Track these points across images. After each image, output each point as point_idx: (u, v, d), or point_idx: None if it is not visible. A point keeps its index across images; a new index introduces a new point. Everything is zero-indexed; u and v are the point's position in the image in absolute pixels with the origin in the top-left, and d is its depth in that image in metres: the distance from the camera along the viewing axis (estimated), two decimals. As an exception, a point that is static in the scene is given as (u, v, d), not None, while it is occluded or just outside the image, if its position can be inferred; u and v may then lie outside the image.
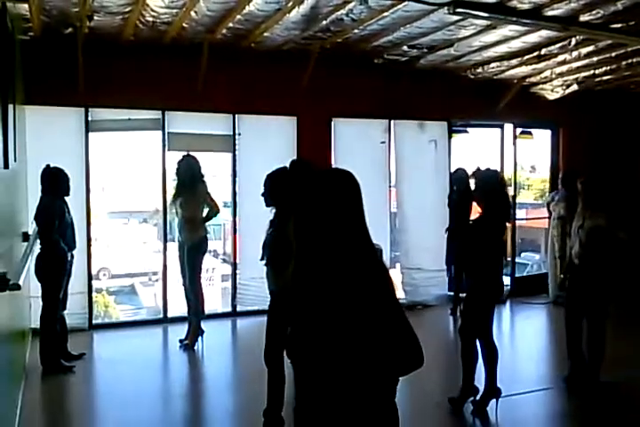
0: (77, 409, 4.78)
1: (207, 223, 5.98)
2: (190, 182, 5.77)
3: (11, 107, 4.00)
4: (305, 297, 1.89)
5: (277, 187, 3.66)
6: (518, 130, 8.34)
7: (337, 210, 1.87)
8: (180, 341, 5.93)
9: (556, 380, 4.96)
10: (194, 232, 5.79)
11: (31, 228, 5.20)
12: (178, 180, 5.91)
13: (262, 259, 3.75)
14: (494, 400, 4.33)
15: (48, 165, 5.14)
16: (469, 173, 6.97)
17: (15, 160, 4.31)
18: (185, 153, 6.07)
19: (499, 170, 6.54)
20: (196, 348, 5.88)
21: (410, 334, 1.82)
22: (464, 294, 7.01)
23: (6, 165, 3.63)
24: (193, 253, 5.83)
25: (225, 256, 13.80)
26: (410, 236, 7.67)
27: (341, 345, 1.80)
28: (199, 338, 5.93)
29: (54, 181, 5.09)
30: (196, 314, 5.93)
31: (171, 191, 6.42)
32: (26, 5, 4.84)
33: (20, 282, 3.13)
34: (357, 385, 1.82)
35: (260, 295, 6.67)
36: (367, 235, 1.91)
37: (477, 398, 4.35)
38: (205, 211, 5.86)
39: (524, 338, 6.89)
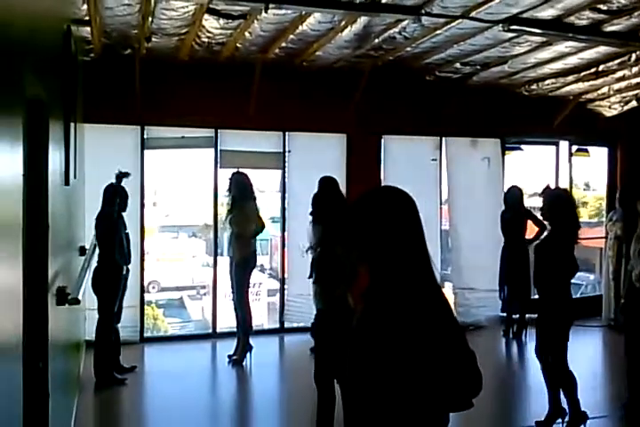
0: (128, 422, 4.84)
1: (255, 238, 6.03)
2: (240, 199, 5.84)
3: (72, 125, 4.13)
4: (363, 321, 1.82)
5: (324, 206, 3.66)
6: (574, 147, 8.13)
7: (395, 230, 1.78)
8: (229, 356, 5.96)
9: (613, 407, 4.76)
10: (243, 248, 5.84)
11: (88, 242, 5.34)
12: (229, 197, 5.99)
13: (310, 277, 3.74)
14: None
15: (112, 183, 5.28)
16: (524, 191, 6.82)
17: (75, 177, 4.44)
18: (235, 170, 6.16)
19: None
20: (244, 364, 5.89)
21: (470, 361, 1.75)
22: (516, 316, 6.91)
23: (67, 182, 3.74)
24: (241, 269, 5.87)
25: (271, 271, 13.86)
26: (462, 254, 7.53)
27: (398, 371, 1.74)
28: (247, 354, 5.94)
29: (113, 198, 5.22)
30: (245, 329, 5.95)
31: (222, 207, 6.50)
32: (88, 28, 5.04)
33: (80, 296, 3.21)
34: (411, 413, 1.76)
35: (307, 312, 6.66)
36: (427, 256, 1.81)
37: (566, 419, 4.24)
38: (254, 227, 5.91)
39: (578, 363, 6.61)
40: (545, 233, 5.08)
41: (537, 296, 4.51)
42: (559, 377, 4.20)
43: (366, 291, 1.84)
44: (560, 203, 4.19)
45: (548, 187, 5.45)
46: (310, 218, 6.03)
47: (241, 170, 6.11)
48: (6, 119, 1.80)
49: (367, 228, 1.80)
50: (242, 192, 5.85)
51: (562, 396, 4.29)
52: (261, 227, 5.92)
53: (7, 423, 1.80)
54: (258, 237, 6.13)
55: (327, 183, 4.26)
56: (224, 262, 6.33)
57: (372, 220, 1.80)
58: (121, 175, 5.32)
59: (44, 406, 2.67)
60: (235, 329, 6.15)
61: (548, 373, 4.25)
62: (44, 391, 2.68)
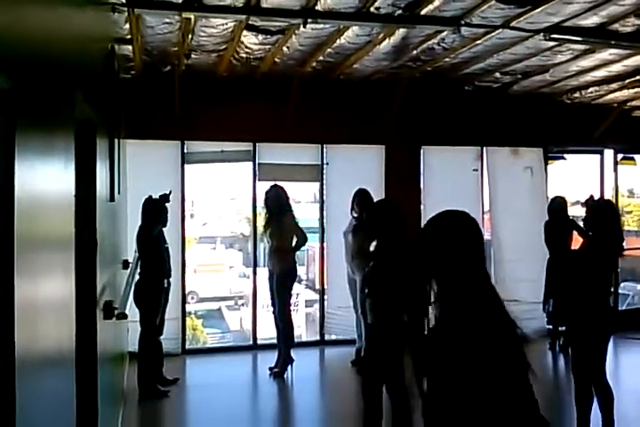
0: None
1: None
2: (278, 212, 5.86)
3: (116, 142, 4.23)
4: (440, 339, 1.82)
5: (377, 219, 3.70)
6: (619, 156, 7.94)
7: (464, 252, 1.86)
8: (270, 369, 5.95)
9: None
10: (283, 261, 5.85)
11: (131, 256, 5.44)
12: (267, 210, 6.01)
13: (362, 291, 3.74)
14: None
15: (150, 196, 5.37)
16: (570, 200, 6.69)
17: (119, 193, 4.54)
18: (273, 183, 6.19)
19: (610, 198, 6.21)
20: (285, 376, 5.88)
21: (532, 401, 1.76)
22: (563, 328, 6.73)
23: (112, 199, 3.82)
24: (282, 282, 5.87)
25: (308, 282, 13.86)
26: (505, 266, 7.40)
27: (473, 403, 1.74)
28: (289, 367, 5.93)
29: (154, 212, 5.30)
30: (286, 342, 5.94)
31: (260, 219, 6.54)
32: (129, 46, 5.16)
33: (127, 311, 3.26)
34: None
35: (347, 325, 6.63)
36: (487, 274, 1.90)
37: None
38: (294, 240, 5.92)
39: (630, 377, 6.42)
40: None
41: (570, 311, 4.39)
42: (597, 391, 4.02)
43: (437, 310, 1.89)
44: (603, 214, 4.11)
45: (591, 197, 5.34)
46: (345, 229, 6.12)
47: (278, 183, 6.14)
48: (59, 140, 1.85)
49: (438, 250, 1.88)
50: (279, 205, 5.87)
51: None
52: (304, 239, 5.90)
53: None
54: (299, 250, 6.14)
55: (388, 204, 4.28)
56: (263, 273, 6.35)
57: (443, 242, 1.88)
58: (166, 198, 5.38)
59: (93, 417, 2.71)
60: (275, 341, 6.14)
61: (582, 393, 4.05)
62: (93, 403, 2.72)
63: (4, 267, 1.13)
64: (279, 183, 6.12)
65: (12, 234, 1.14)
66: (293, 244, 5.91)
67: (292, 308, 6.26)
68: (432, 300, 1.89)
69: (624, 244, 4.20)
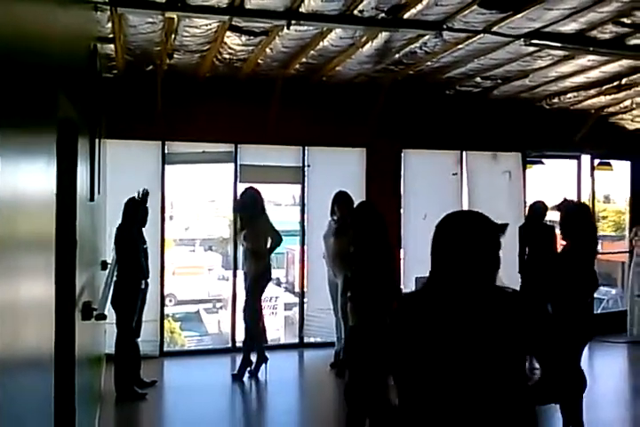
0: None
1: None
2: (253, 214, 5.83)
3: (97, 142, 4.19)
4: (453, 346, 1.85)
5: (359, 222, 3.72)
6: (596, 161, 8.07)
7: (484, 255, 1.92)
8: (249, 372, 5.91)
9: (638, 424, 4.66)
10: (257, 263, 5.82)
11: (110, 257, 5.38)
12: (241, 212, 5.97)
13: (344, 294, 3.75)
14: None
15: (133, 197, 5.32)
16: (550, 205, 6.75)
17: (99, 193, 4.49)
18: (248, 185, 6.17)
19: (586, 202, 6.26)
20: (260, 375, 5.83)
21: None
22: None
23: (92, 198, 3.78)
24: (255, 283, 5.85)
25: (287, 285, 13.85)
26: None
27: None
28: (263, 365, 5.89)
29: (134, 213, 5.26)
30: (259, 342, 5.92)
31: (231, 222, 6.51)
32: (112, 46, 5.12)
33: (106, 311, 3.23)
34: None
35: (326, 327, 6.64)
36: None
37: None
38: (269, 242, 5.89)
39: (604, 380, 6.52)
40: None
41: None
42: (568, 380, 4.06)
43: None
44: (577, 217, 4.10)
45: (565, 200, 5.34)
46: (325, 231, 6.12)
47: (254, 185, 6.10)
48: (41, 140, 1.82)
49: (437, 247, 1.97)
50: (254, 208, 5.84)
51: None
52: (279, 240, 5.88)
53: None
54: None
55: (368, 206, 4.29)
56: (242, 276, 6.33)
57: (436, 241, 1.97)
58: (145, 194, 5.35)
59: (70, 420, 2.68)
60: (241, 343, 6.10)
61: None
62: (70, 405, 2.68)
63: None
64: (255, 186, 6.09)
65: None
66: (268, 246, 5.89)
67: (263, 310, 6.21)
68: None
69: (598, 247, 4.22)
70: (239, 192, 6.78)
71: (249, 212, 5.85)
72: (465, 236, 1.93)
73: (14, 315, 1.40)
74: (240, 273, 6.73)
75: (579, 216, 4.11)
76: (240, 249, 6.77)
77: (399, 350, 1.90)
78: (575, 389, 3.92)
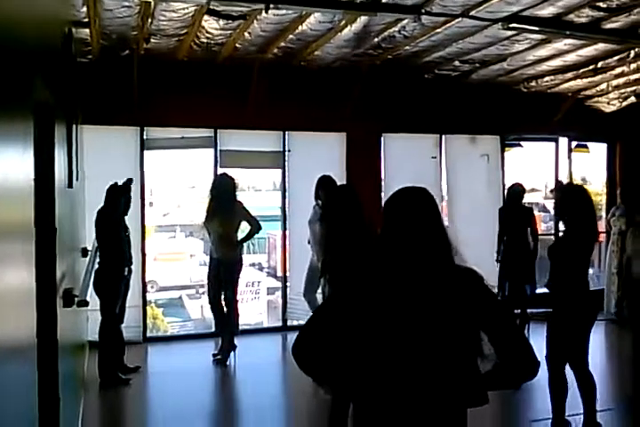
0: (133, 422, 4.87)
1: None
2: (226, 200, 5.77)
3: (74, 128, 4.14)
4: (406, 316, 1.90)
5: (342, 211, 3.74)
6: (573, 143, 8.17)
7: (427, 227, 1.96)
8: (213, 355, 5.97)
9: (618, 400, 4.78)
10: (232, 250, 5.81)
11: (90, 244, 5.35)
12: (213, 198, 5.89)
13: (321, 277, 3.78)
14: None
15: (116, 183, 5.28)
16: (527, 188, 6.83)
17: (77, 179, 4.45)
18: (220, 172, 6.16)
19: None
20: (228, 363, 5.87)
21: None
22: (518, 311, 6.93)
23: (70, 185, 3.75)
24: (233, 270, 5.86)
25: (270, 269, 13.88)
26: (462, 251, 7.55)
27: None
28: (232, 353, 5.92)
29: (116, 199, 5.22)
30: (231, 329, 5.94)
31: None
32: (87, 30, 5.03)
33: (88, 298, 3.23)
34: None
35: (309, 310, 6.69)
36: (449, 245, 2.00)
37: None
38: (242, 228, 5.88)
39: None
40: (553, 231, 4.97)
41: (550, 296, 4.19)
42: (582, 383, 3.96)
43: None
44: (577, 200, 3.94)
45: (560, 183, 5.20)
46: (310, 216, 6.13)
47: (233, 170, 6.09)
48: (17, 124, 1.81)
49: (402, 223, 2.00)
50: (228, 193, 5.79)
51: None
52: (258, 227, 5.84)
53: (25, 423, 1.82)
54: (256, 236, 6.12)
55: (346, 189, 4.30)
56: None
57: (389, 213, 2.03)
58: (128, 185, 5.31)
59: (54, 406, 2.69)
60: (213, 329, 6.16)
61: (558, 382, 3.99)
62: (54, 392, 2.69)
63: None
64: (232, 171, 6.06)
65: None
66: (239, 233, 5.88)
67: (240, 295, 6.22)
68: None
69: (598, 228, 4.10)
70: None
71: (223, 197, 5.80)
72: (408, 209, 1.99)
73: (-4, 302, 1.40)
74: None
75: (577, 199, 3.95)
76: (205, 235, 6.73)
77: (350, 321, 1.94)
78: (586, 392, 3.91)
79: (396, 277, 1.93)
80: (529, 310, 6.88)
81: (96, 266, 5.05)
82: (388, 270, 1.96)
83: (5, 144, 1.59)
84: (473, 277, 1.96)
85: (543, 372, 4.29)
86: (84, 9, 4.49)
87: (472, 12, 4.79)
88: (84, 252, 5.13)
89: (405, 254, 1.94)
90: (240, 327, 6.21)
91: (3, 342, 1.50)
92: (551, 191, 6.07)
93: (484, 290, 1.94)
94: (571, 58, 6.12)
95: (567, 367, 4.05)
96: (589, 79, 6.88)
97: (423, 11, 4.77)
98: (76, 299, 3.19)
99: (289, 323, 7.20)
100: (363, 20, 4.98)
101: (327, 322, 1.99)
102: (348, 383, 1.96)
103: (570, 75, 6.74)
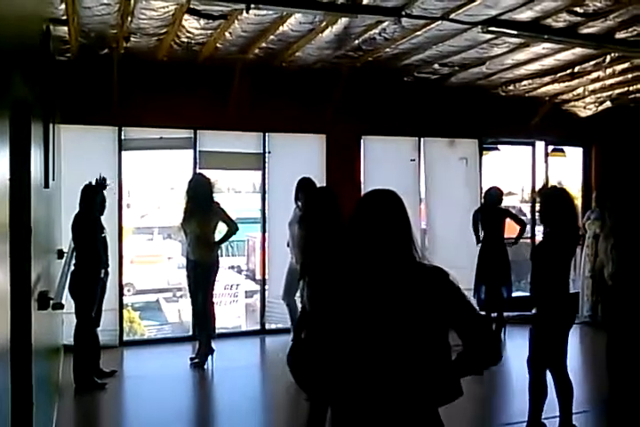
0: (109, 427, 4.79)
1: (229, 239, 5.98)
2: (204, 201, 5.71)
3: (51, 127, 4.07)
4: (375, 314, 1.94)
5: (320, 213, 3.72)
6: (550, 147, 8.27)
7: (391, 228, 2.00)
8: (191, 359, 5.91)
9: (594, 403, 4.82)
10: (209, 251, 5.76)
11: (66, 245, 5.26)
12: (190, 199, 5.80)
13: (301, 279, 3.75)
14: None
15: (90, 183, 5.20)
16: (504, 191, 6.88)
17: (54, 179, 4.38)
18: (196, 172, 6.11)
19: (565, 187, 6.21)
20: (206, 367, 5.82)
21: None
22: (495, 314, 6.98)
23: (46, 185, 3.68)
24: (209, 272, 5.80)
25: (248, 272, 13.81)
26: (438, 254, 7.59)
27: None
28: (209, 357, 5.88)
29: (91, 199, 5.14)
30: (208, 333, 5.89)
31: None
32: (65, 28, 4.96)
33: (63, 301, 3.16)
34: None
35: (287, 314, 6.65)
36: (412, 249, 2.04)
37: None
38: (219, 229, 5.83)
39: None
40: (529, 235, 4.99)
41: (532, 299, 4.27)
42: (560, 386, 3.98)
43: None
44: (559, 203, 3.94)
45: (544, 186, 5.23)
46: (290, 219, 6.11)
47: (209, 171, 6.03)
48: (-6, 121, 1.76)
49: (369, 227, 2.03)
50: (205, 194, 5.73)
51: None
52: (236, 229, 5.79)
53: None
54: (232, 238, 6.07)
55: (325, 191, 4.29)
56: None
57: (375, 220, 2.04)
58: (103, 183, 5.23)
59: (28, 412, 2.63)
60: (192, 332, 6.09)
61: (538, 385, 4.00)
62: (27, 397, 2.63)
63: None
64: (209, 172, 6.01)
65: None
66: (216, 234, 5.83)
67: (215, 299, 6.17)
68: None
69: (580, 231, 4.13)
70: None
71: (199, 198, 5.72)
72: (376, 211, 2.03)
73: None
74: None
75: (560, 203, 3.95)
76: (182, 236, 6.67)
77: (332, 325, 1.98)
78: (563, 396, 3.93)
79: (363, 277, 1.99)
80: (505, 314, 6.94)
81: (72, 268, 4.96)
82: (355, 271, 2.02)
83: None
84: (439, 273, 2.01)
85: (519, 375, 4.37)
86: (63, 6, 4.43)
87: (452, 15, 4.82)
88: (60, 253, 5.04)
89: (369, 254, 1.99)
90: (217, 331, 6.17)
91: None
92: (531, 194, 6.11)
93: (450, 285, 2.00)
94: (548, 62, 6.20)
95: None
96: (566, 83, 6.97)
97: (403, 13, 4.79)
98: (52, 302, 3.12)
99: (267, 326, 7.16)
100: (343, 21, 4.98)
101: (319, 331, 2.03)
102: (330, 389, 1.96)
103: (547, 79, 6.83)
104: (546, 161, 8.31)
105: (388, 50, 5.87)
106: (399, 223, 2.01)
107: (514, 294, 6.94)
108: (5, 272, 2.00)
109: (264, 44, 5.66)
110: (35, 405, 2.70)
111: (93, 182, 5.21)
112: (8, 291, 2.05)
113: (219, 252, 6.00)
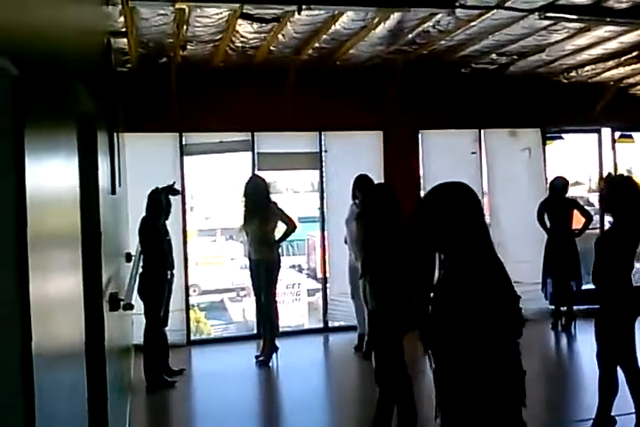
0: (180, 424, 4.94)
1: (288, 238, 6.04)
2: (260, 202, 5.77)
3: (115, 136, 4.22)
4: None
5: (379, 208, 3.71)
6: (617, 134, 7.93)
7: (464, 221, 2.03)
8: (256, 357, 5.99)
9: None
10: (271, 251, 5.82)
11: (134, 249, 5.45)
12: (247, 200, 5.89)
13: (362, 277, 3.75)
14: None
15: (157, 188, 5.36)
16: (569, 181, 6.65)
17: (120, 185, 4.54)
18: (252, 174, 6.17)
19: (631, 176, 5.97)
20: (270, 364, 5.89)
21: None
22: (564, 308, 6.77)
23: (113, 191, 3.83)
24: (272, 271, 5.86)
25: (309, 271, 13.90)
26: (505, 248, 7.40)
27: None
28: (274, 355, 5.93)
29: (158, 203, 5.31)
30: (272, 332, 5.95)
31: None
32: (125, 40, 5.12)
33: (133, 302, 3.28)
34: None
35: (350, 311, 6.66)
36: (490, 241, 2.09)
37: None
38: (278, 229, 5.88)
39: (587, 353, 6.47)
40: (598, 225, 4.78)
41: (595, 291, 4.10)
42: (632, 382, 3.82)
43: (444, 276, 2.10)
44: (625, 192, 3.82)
45: (609, 175, 5.08)
46: (347, 216, 6.11)
47: (268, 173, 6.11)
48: (63, 133, 1.85)
49: (441, 220, 2.05)
50: (261, 194, 5.80)
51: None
52: (293, 228, 5.87)
53: (76, 425, 1.86)
54: (292, 237, 6.13)
55: (384, 188, 4.29)
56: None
57: (445, 212, 2.05)
58: (173, 191, 5.40)
59: (103, 408, 2.74)
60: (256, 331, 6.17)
61: (608, 380, 3.87)
62: (102, 396, 2.74)
63: (19, 264, 1.13)
64: (266, 173, 6.11)
65: (24, 230, 1.14)
66: (276, 233, 5.89)
67: (280, 296, 6.24)
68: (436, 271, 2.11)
69: None
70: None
71: (256, 199, 5.80)
72: (457, 203, 2.07)
73: (48, 309, 1.43)
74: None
75: (626, 191, 3.83)
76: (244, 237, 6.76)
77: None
78: (636, 391, 3.82)
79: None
80: (575, 307, 6.72)
81: (140, 270, 5.13)
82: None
83: (52, 153, 1.63)
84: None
85: (590, 371, 4.21)
86: (122, 19, 4.58)
87: (507, 3, 4.70)
88: (128, 257, 5.23)
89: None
90: (281, 329, 6.24)
91: (54, 346, 1.53)
92: (598, 183, 5.88)
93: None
94: (612, 45, 5.94)
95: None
96: (632, 67, 6.66)
97: (457, 4, 4.70)
98: (122, 303, 3.25)
99: (330, 324, 7.19)
100: (396, 16, 4.93)
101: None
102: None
103: (611, 63, 6.55)
104: (613, 148, 7.97)
105: (442, 42, 5.77)
106: (480, 216, 2.05)
107: (584, 287, 6.69)
108: (78, 275, 2.10)
109: (317, 44, 5.68)
110: (109, 402, 2.82)
111: (161, 185, 5.37)
112: (81, 293, 2.14)
113: (279, 251, 6.07)
